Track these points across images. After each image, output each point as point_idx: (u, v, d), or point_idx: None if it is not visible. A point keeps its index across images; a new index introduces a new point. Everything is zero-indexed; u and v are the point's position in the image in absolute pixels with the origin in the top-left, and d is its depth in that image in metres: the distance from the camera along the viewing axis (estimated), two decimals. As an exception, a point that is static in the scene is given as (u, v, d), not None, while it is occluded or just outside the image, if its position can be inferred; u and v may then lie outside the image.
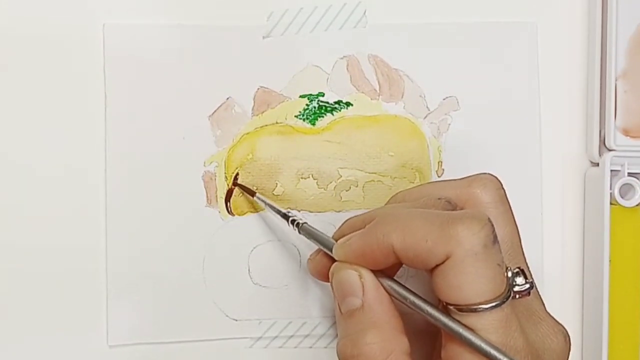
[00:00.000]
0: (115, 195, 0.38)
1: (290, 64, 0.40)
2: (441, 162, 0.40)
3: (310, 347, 0.39)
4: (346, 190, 0.40)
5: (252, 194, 0.38)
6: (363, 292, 0.30)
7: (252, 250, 0.39)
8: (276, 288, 0.39)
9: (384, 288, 0.30)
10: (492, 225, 0.28)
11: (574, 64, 0.42)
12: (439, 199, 0.31)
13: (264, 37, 0.40)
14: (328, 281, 0.33)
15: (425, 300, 0.29)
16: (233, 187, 0.39)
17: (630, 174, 0.40)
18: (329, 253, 0.33)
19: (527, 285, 0.29)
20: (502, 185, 0.33)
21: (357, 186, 0.40)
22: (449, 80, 0.40)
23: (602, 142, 0.40)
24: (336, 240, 0.32)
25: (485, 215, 0.29)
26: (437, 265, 0.28)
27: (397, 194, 0.35)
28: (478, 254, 0.27)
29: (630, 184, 0.40)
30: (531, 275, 0.32)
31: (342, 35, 0.40)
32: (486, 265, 0.28)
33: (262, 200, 0.38)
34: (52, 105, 0.38)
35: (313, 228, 0.35)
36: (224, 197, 0.39)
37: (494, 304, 0.28)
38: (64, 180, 0.38)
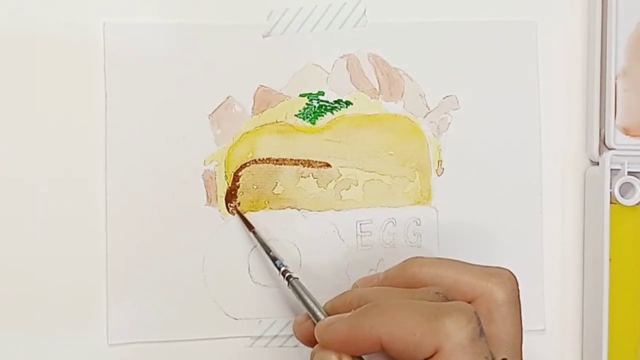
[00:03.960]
0: (115, 194, 0.38)
1: (290, 63, 0.40)
2: (441, 161, 0.40)
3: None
4: (346, 189, 0.40)
5: (251, 228, 0.38)
6: None
7: (252, 249, 0.39)
8: (276, 287, 0.39)
9: None
10: (479, 318, 0.29)
11: (573, 63, 0.42)
12: (437, 292, 0.31)
13: (264, 36, 0.40)
14: (312, 347, 0.32)
15: None
16: (234, 186, 0.39)
17: (630, 173, 0.40)
18: (314, 319, 0.33)
19: None
20: (518, 285, 0.33)
21: (357, 185, 0.40)
22: (448, 79, 0.41)
23: (602, 141, 0.40)
24: (327, 313, 0.33)
25: (471, 308, 0.29)
26: (425, 359, 0.28)
27: (414, 259, 0.34)
28: (466, 348, 0.28)
29: (630, 183, 0.40)
30: None
31: (342, 34, 0.40)
32: (473, 358, 0.28)
33: (258, 240, 0.38)
34: (52, 104, 0.38)
35: (301, 287, 0.35)
36: (224, 196, 0.39)
37: None
38: (64, 179, 0.38)
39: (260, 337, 0.39)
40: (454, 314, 0.28)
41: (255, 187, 0.39)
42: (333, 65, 0.40)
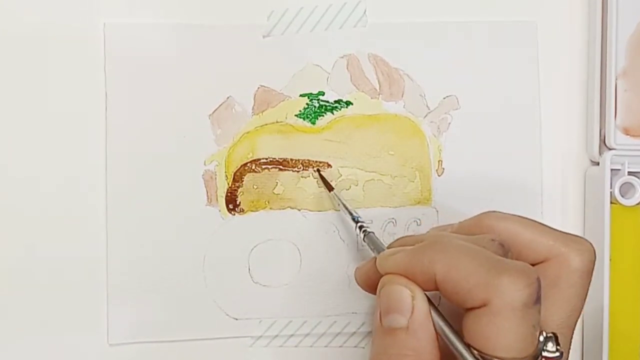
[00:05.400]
0: (115, 194, 0.38)
1: (290, 63, 0.40)
2: (441, 161, 0.40)
3: (311, 346, 0.39)
4: (346, 189, 0.40)
5: (330, 189, 0.39)
6: (412, 313, 0.29)
7: (252, 249, 0.39)
8: (276, 287, 0.39)
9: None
10: (539, 284, 0.28)
11: (574, 63, 0.42)
12: (492, 240, 0.30)
13: (264, 36, 0.40)
14: (371, 292, 0.32)
15: (461, 340, 0.28)
16: (234, 186, 0.39)
17: (630, 173, 0.40)
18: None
19: (557, 354, 0.28)
20: (595, 259, 0.32)
21: (357, 185, 0.40)
22: (449, 79, 0.41)
23: (603, 141, 0.40)
24: None
25: (534, 272, 0.28)
26: (473, 308, 0.28)
27: (492, 212, 0.33)
28: (516, 311, 0.27)
29: (631, 183, 0.40)
30: (569, 349, 0.31)
31: (342, 34, 0.40)
32: (521, 324, 0.27)
33: (338, 199, 0.38)
34: (52, 104, 0.38)
35: (377, 239, 0.35)
36: (224, 196, 0.39)
37: None
38: (64, 179, 0.38)
39: (260, 337, 0.39)
40: (514, 273, 0.27)
41: (255, 187, 0.39)
42: (333, 66, 0.40)
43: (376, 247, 0.34)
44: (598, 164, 0.41)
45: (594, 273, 0.40)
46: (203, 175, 0.39)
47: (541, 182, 0.41)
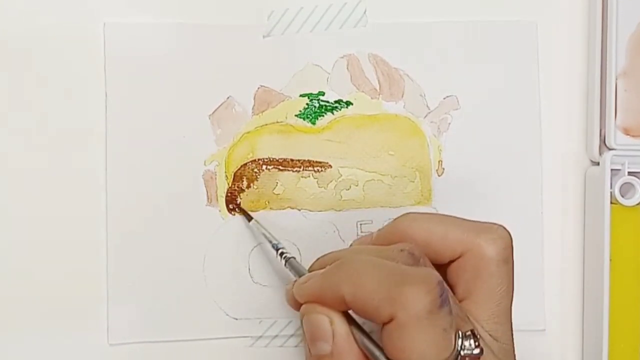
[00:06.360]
0: (115, 194, 0.38)
1: (290, 63, 0.40)
2: (441, 161, 0.40)
3: (311, 346, 0.39)
4: (346, 189, 0.40)
5: (250, 219, 0.39)
6: (333, 339, 0.29)
7: (252, 249, 0.39)
8: (276, 287, 0.39)
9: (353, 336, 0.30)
10: (442, 287, 0.28)
11: (574, 63, 0.42)
12: (401, 250, 0.30)
13: (264, 36, 0.40)
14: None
15: (385, 356, 0.28)
16: (234, 186, 0.39)
17: (630, 173, 0.40)
18: None
19: (477, 350, 0.28)
20: (512, 243, 0.32)
21: (357, 185, 0.40)
22: (449, 79, 0.40)
23: (603, 141, 0.40)
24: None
25: (435, 277, 0.28)
26: (384, 324, 0.28)
27: (406, 215, 0.33)
28: (421, 320, 0.27)
29: (631, 183, 0.40)
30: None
31: (343, 35, 0.40)
32: (430, 331, 0.27)
33: (258, 228, 0.38)
34: (52, 104, 0.38)
35: (299, 264, 0.35)
36: (224, 196, 0.39)
37: None
38: (64, 179, 0.38)
39: (260, 337, 0.39)
40: (413, 283, 0.27)
41: (255, 187, 0.39)
42: (333, 66, 0.40)
43: (297, 272, 0.34)
44: (598, 164, 0.41)
45: (593, 271, 0.40)
46: (203, 175, 0.39)
47: (541, 182, 0.41)
